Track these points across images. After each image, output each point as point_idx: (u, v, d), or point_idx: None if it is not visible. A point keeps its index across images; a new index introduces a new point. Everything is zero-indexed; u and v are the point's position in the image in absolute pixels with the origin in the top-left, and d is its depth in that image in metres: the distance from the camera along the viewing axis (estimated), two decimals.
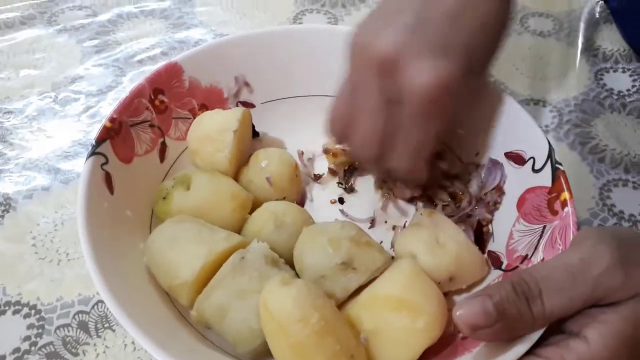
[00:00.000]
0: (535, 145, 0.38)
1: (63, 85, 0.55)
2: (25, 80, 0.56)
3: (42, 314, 0.39)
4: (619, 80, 0.56)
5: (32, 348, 0.38)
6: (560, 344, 0.28)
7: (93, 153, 0.36)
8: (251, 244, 0.35)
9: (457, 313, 0.29)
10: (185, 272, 0.34)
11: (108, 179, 0.37)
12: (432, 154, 0.37)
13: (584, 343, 0.28)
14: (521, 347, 0.28)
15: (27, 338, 0.38)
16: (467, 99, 0.37)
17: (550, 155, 0.37)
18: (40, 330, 0.38)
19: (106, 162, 0.37)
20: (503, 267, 0.37)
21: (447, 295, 0.37)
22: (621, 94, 0.55)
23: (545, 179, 0.37)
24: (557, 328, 0.30)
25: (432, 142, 0.36)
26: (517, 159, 0.39)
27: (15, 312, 0.39)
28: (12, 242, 0.43)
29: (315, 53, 0.46)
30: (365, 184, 0.45)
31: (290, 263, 0.37)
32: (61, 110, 0.53)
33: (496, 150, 0.41)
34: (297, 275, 0.36)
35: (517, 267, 0.36)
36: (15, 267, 0.42)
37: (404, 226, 0.42)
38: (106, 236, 0.34)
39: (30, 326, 0.39)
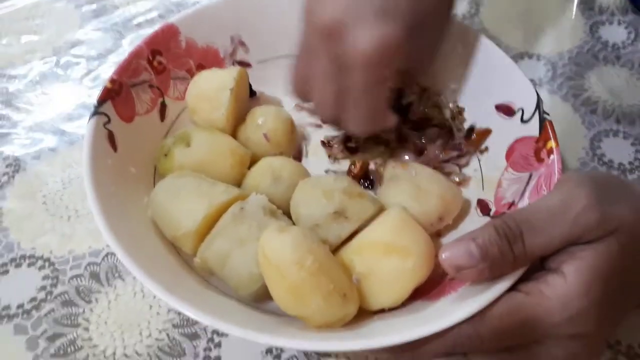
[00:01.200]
0: (525, 96, 0.39)
1: (63, 50, 0.56)
2: (27, 46, 0.57)
3: (56, 265, 0.42)
4: (615, 33, 0.56)
5: (48, 297, 0.40)
6: (539, 279, 0.30)
7: (95, 113, 0.38)
8: (250, 196, 0.37)
9: (443, 255, 0.31)
10: (188, 222, 0.35)
11: (111, 137, 0.38)
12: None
13: (561, 277, 0.29)
14: (504, 284, 0.30)
15: (43, 288, 0.41)
16: (427, 52, 0.39)
17: (538, 106, 0.38)
18: (54, 281, 0.41)
19: (108, 122, 0.38)
20: (491, 213, 0.39)
21: (437, 236, 0.39)
22: (616, 46, 0.55)
23: (533, 129, 0.38)
24: (539, 266, 0.31)
25: (384, 105, 0.37)
26: (507, 110, 0.40)
27: (30, 265, 0.42)
28: (24, 201, 0.45)
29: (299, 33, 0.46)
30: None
31: (287, 214, 0.38)
32: (63, 75, 0.54)
33: (487, 103, 0.42)
34: (294, 225, 0.38)
35: (503, 213, 0.37)
36: (27, 223, 0.44)
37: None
38: (112, 191, 0.36)
39: (45, 277, 0.41)
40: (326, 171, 0.44)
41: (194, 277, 0.36)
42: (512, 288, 0.30)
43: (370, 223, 0.36)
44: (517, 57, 0.55)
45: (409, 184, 0.38)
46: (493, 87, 0.42)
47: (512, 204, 0.37)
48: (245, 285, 0.35)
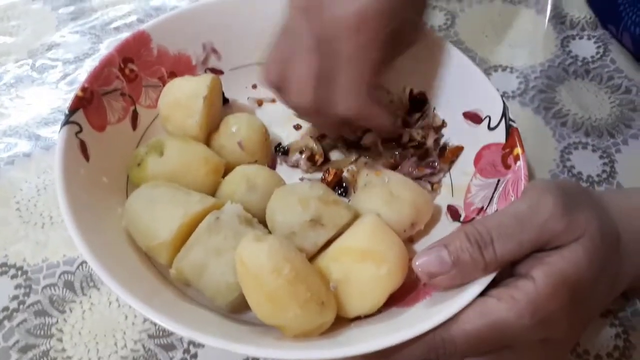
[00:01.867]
0: (491, 104, 0.40)
1: (39, 53, 0.56)
2: (1, 48, 0.56)
3: (29, 274, 0.41)
4: (584, 47, 0.58)
5: (21, 306, 0.40)
6: (509, 285, 0.31)
7: (67, 122, 0.37)
8: (225, 205, 0.37)
9: (416, 263, 0.31)
10: (163, 232, 0.35)
11: (83, 147, 0.38)
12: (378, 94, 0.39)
13: (530, 282, 0.30)
14: (475, 289, 0.31)
15: (15, 297, 0.40)
16: (407, 38, 0.39)
17: (504, 114, 0.39)
18: (27, 290, 0.40)
19: (80, 131, 0.38)
20: (461, 219, 0.40)
21: (410, 242, 0.40)
22: (585, 60, 0.57)
23: (499, 136, 0.39)
24: (509, 272, 0.32)
25: (372, 73, 0.36)
26: (474, 118, 0.42)
27: (2, 273, 0.41)
28: None
29: (281, 17, 0.47)
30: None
31: (263, 222, 0.38)
32: (39, 78, 0.54)
33: (455, 110, 0.43)
34: (270, 233, 0.38)
35: (473, 218, 0.38)
36: (0, 230, 0.43)
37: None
38: (85, 201, 0.36)
39: (17, 286, 0.40)
40: (301, 179, 0.45)
41: (169, 288, 0.36)
42: (483, 293, 0.31)
43: (345, 230, 0.37)
44: (491, 69, 0.56)
45: (382, 190, 0.39)
46: (460, 95, 0.43)
47: (481, 210, 0.38)
48: (223, 295, 0.35)
